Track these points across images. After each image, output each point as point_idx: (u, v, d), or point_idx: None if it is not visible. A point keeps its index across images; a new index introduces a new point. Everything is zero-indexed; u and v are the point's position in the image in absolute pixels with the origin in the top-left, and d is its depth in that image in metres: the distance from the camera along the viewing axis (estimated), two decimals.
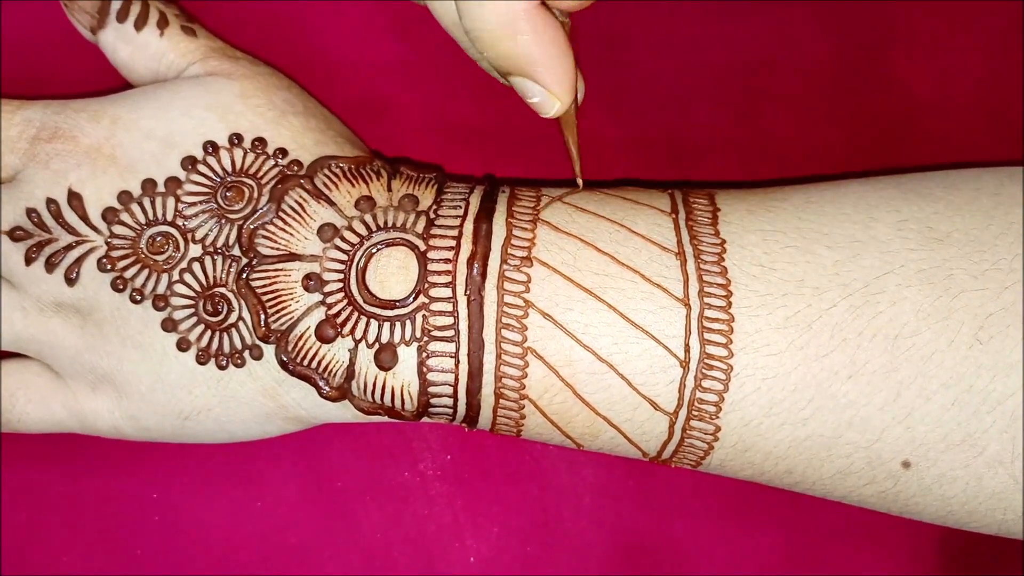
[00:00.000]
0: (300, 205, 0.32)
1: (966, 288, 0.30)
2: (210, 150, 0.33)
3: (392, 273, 0.31)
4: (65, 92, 0.36)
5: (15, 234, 0.33)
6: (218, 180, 0.33)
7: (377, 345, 0.31)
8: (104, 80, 0.38)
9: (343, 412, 0.34)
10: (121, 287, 0.33)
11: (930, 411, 0.30)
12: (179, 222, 0.33)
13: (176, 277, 0.33)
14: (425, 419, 0.33)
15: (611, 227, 0.32)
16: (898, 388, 0.30)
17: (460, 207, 0.33)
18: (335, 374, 0.32)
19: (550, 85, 0.31)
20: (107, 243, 0.33)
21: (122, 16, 0.35)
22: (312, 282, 0.32)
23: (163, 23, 0.35)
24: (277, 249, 0.32)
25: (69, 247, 0.33)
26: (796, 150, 0.40)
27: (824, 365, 0.30)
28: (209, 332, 0.33)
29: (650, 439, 0.32)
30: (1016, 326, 0.30)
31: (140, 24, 0.35)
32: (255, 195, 0.33)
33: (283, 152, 0.33)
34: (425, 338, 0.31)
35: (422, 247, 0.32)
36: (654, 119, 0.39)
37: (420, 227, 0.32)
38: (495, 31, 0.30)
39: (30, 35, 0.39)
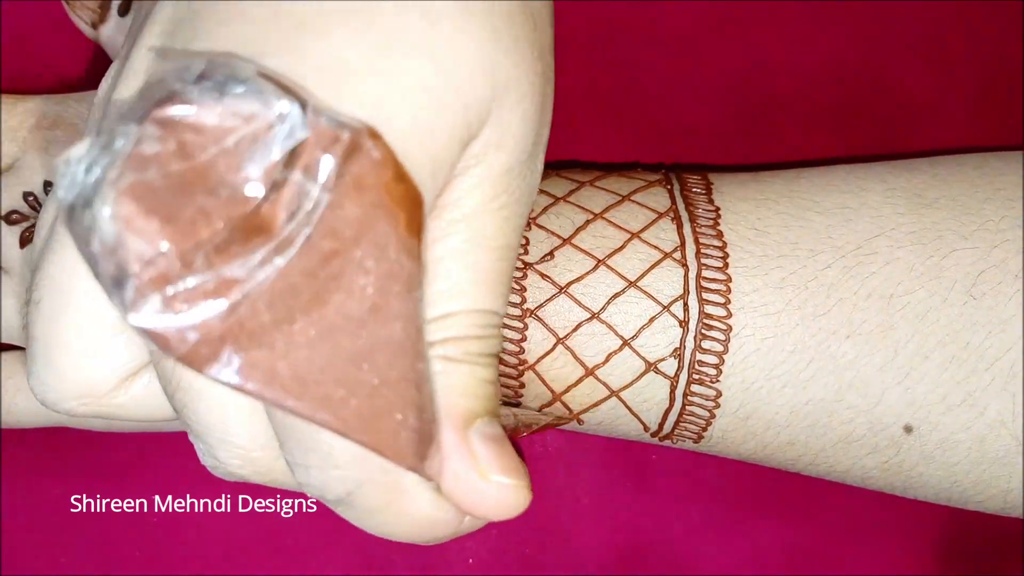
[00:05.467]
0: None
1: (956, 247, 0.31)
2: None
3: None
4: (66, 90, 0.37)
5: (11, 217, 0.33)
6: None
7: None
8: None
9: None
10: None
11: (928, 370, 0.30)
12: None
13: None
14: None
15: (608, 195, 0.32)
16: (895, 347, 0.30)
17: None
18: None
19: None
20: None
21: (123, 10, 0.36)
22: None
23: None
24: None
25: None
26: (794, 151, 0.40)
27: (822, 324, 0.30)
28: None
29: (651, 407, 0.32)
30: (1007, 282, 0.30)
31: None
32: None
33: None
34: None
35: None
36: (652, 120, 0.40)
37: None
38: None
39: (30, 33, 0.40)
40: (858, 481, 0.34)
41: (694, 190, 0.33)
